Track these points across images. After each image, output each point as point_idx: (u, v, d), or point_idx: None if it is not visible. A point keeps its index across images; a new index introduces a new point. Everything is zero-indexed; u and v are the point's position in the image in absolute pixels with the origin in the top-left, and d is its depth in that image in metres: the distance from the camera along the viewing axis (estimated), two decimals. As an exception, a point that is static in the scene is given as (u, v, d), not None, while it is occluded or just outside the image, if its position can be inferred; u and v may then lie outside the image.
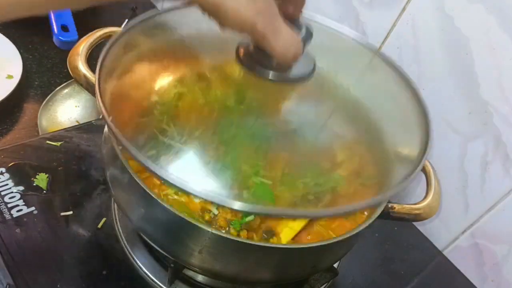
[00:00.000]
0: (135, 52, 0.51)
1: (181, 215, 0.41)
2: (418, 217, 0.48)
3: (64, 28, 0.69)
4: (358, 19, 0.70)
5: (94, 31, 0.52)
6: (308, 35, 0.42)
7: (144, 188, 0.41)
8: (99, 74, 0.44)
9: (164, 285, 0.52)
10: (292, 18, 0.41)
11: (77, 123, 0.72)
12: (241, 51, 0.45)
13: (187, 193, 0.38)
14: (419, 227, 0.72)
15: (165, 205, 0.41)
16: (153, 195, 0.41)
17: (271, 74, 0.43)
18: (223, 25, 0.37)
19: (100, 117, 0.42)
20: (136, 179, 0.42)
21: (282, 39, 0.38)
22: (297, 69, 0.44)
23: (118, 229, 0.56)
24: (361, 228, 0.45)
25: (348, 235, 0.44)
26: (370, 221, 0.46)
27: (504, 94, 0.58)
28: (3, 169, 0.58)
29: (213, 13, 0.36)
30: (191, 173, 0.45)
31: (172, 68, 0.53)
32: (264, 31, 0.37)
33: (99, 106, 0.41)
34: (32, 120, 0.72)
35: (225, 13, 0.35)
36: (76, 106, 0.76)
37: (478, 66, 0.60)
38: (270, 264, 0.45)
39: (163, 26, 0.53)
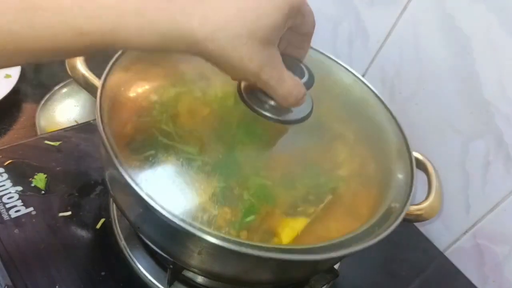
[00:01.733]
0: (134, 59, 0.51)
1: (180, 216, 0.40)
2: (420, 218, 0.48)
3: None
4: (358, 19, 0.70)
5: (93, 30, 0.51)
6: (310, 80, 0.44)
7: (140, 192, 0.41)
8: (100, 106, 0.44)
9: (163, 286, 0.52)
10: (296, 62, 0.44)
11: (75, 123, 0.72)
12: (242, 85, 0.46)
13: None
14: (420, 228, 0.72)
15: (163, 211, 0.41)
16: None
17: (269, 114, 0.44)
18: (227, 74, 0.38)
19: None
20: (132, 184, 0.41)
21: (285, 86, 0.39)
22: (296, 110, 0.45)
23: (117, 229, 0.55)
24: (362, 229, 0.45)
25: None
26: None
27: (505, 93, 0.58)
28: (1, 169, 0.57)
29: (218, 64, 0.37)
30: (191, 174, 0.44)
31: (171, 69, 0.53)
32: (267, 80, 0.38)
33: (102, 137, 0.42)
34: (30, 120, 0.72)
35: (230, 65, 0.36)
36: (74, 106, 0.76)
37: (479, 65, 0.59)
38: (270, 266, 0.45)
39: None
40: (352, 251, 0.42)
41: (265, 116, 0.44)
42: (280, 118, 0.44)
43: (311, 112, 0.47)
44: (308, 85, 0.44)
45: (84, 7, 0.33)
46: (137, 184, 0.40)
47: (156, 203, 0.39)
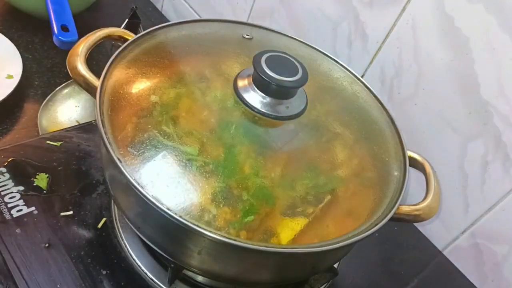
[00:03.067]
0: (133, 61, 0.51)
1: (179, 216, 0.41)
2: (418, 218, 0.48)
3: (64, 28, 0.68)
4: (358, 19, 0.70)
5: (93, 31, 0.52)
6: (304, 77, 0.46)
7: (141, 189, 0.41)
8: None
9: (164, 285, 0.52)
10: None
11: (77, 123, 0.72)
12: (239, 83, 0.46)
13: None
14: (419, 227, 0.72)
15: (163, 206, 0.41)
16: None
17: (264, 110, 0.46)
18: None
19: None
20: (133, 182, 0.42)
21: None
22: (291, 107, 0.47)
23: (118, 229, 0.56)
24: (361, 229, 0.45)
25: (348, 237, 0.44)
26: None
27: (504, 94, 0.58)
28: (3, 169, 0.58)
29: None
30: (190, 174, 0.45)
31: (171, 70, 0.53)
32: None
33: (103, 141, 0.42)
34: (32, 120, 0.72)
35: None
36: (76, 106, 0.76)
37: (478, 66, 0.60)
38: (269, 266, 0.45)
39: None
40: (337, 246, 0.42)
41: (260, 112, 0.45)
42: (275, 114, 0.45)
43: (305, 108, 0.47)
44: (302, 81, 0.45)
45: None
46: (138, 183, 0.40)
47: (158, 201, 0.40)
